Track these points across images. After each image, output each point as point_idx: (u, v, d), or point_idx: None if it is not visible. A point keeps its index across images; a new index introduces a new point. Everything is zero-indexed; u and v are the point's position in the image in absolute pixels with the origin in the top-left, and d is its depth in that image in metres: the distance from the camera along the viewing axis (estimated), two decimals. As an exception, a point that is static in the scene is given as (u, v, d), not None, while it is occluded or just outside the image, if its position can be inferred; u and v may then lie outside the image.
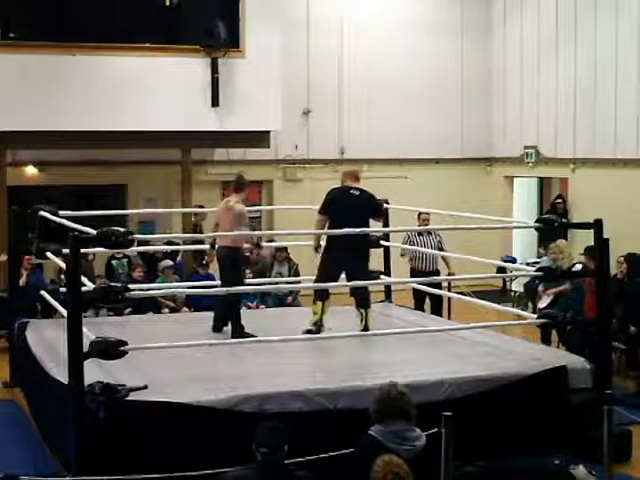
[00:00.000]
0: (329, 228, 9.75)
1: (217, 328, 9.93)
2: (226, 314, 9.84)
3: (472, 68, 18.54)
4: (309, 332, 9.57)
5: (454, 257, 12.66)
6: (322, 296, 9.72)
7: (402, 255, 13.15)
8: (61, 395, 7.56)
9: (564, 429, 8.16)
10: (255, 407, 7.40)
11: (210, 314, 10.17)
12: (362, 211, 9.73)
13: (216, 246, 9.86)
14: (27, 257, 11.83)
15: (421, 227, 12.99)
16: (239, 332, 9.52)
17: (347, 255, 9.54)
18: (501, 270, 13.31)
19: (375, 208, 10.07)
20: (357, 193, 9.88)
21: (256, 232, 9.96)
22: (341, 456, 6.46)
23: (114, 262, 14.10)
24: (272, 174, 17.17)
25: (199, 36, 14.61)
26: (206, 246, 10.43)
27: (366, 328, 9.67)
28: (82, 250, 7.60)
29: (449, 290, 12.60)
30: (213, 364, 8.48)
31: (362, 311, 9.79)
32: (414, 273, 13.14)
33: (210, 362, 8.52)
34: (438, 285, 12.27)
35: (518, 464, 7.39)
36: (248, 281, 11.73)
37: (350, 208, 9.68)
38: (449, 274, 12.66)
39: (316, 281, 9.86)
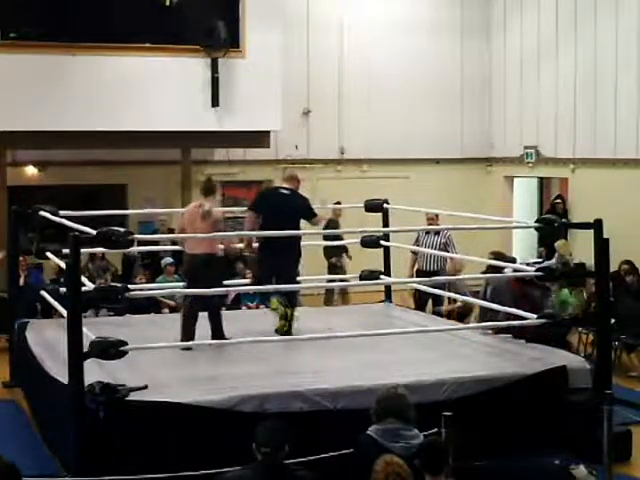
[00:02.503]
0: (260, 228, 9.70)
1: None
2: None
3: (472, 68, 18.54)
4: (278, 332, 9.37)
5: (454, 257, 12.64)
6: (288, 304, 9.55)
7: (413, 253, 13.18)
8: (61, 395, 7.56)
9: (564, 429, 8.15)
10: (255, 407, 7.39)
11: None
12: (290, 210, 9.67)
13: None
14: (21, 258, 11.80)
15: (422, 227, 12.97)
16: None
17: (275, 255, 9.44)
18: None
19: (305, 209, 9.90)
20: (286, 192, 9.86)
21: (253, 232, 9.84)
22: (341, 456, 6.47)
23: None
24: (272, 174, 17.12)
25: (199, 36, 14.60)
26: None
27: (289, 328, 9.49)
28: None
29: (449, 290, 12.57)
30: (213, 364, 8.47)
31: (287, 310, 9.56)
32: (418, 273, 13.13)
33: (210, 362, 8.52)
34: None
35: (518, 464, 7.40)
36: (248, 281, 11.71)
37: (278, 206, 9.66)
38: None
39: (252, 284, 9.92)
